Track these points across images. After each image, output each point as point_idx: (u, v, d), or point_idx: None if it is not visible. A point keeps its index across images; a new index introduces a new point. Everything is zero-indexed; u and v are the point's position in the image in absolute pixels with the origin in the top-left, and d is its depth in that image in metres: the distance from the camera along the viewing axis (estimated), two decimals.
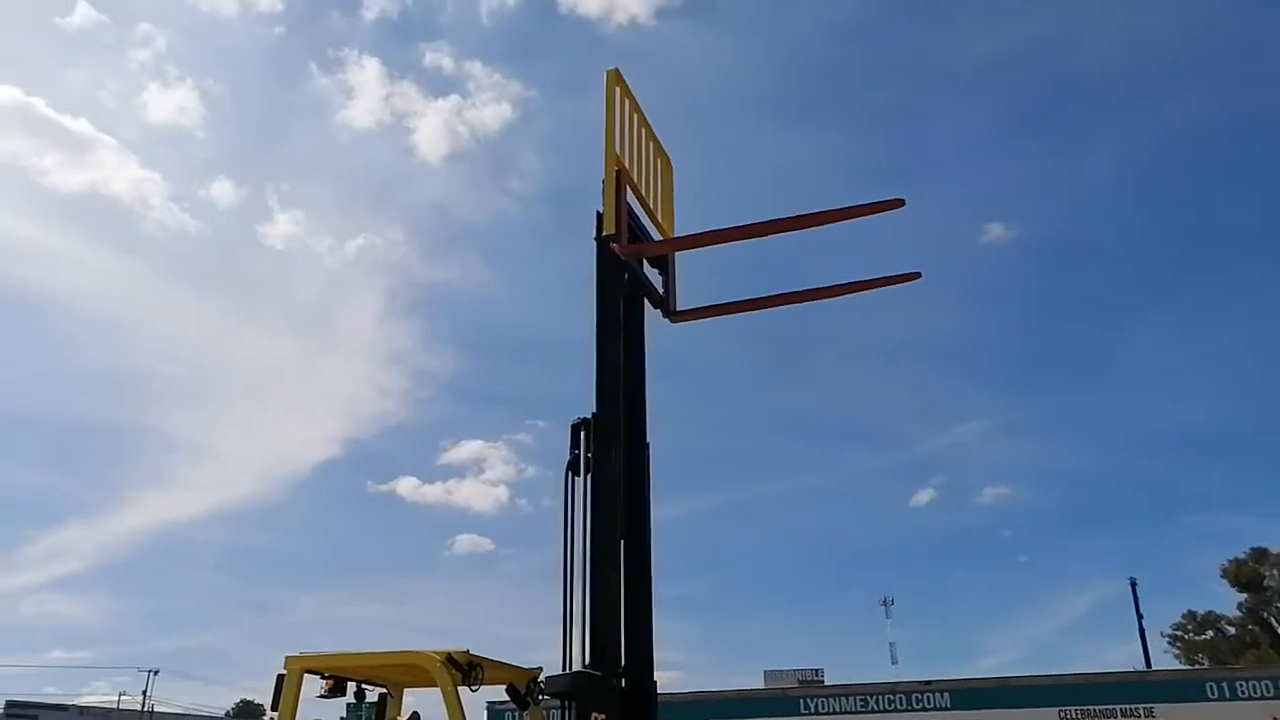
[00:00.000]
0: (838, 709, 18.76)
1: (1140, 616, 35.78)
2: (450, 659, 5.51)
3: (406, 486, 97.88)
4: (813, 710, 18.83)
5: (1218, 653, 40.08)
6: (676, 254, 6.60)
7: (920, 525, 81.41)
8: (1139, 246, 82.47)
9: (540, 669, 6.08)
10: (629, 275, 5.88)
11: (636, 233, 6.09)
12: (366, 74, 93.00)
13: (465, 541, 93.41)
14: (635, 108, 6.29)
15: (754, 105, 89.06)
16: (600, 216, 5.76)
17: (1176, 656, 42.08)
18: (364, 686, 6.37)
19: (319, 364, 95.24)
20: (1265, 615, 40.97)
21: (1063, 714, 17.68)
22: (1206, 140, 76.80)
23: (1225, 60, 73.80)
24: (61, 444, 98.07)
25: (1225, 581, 41.55)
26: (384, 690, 6.69)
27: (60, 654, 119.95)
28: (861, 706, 18.64)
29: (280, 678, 5.83)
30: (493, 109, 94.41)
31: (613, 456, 5.30)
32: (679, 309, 6.44)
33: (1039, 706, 17.81)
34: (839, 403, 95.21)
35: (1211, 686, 17.58)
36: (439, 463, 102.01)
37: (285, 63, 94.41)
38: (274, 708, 5.87)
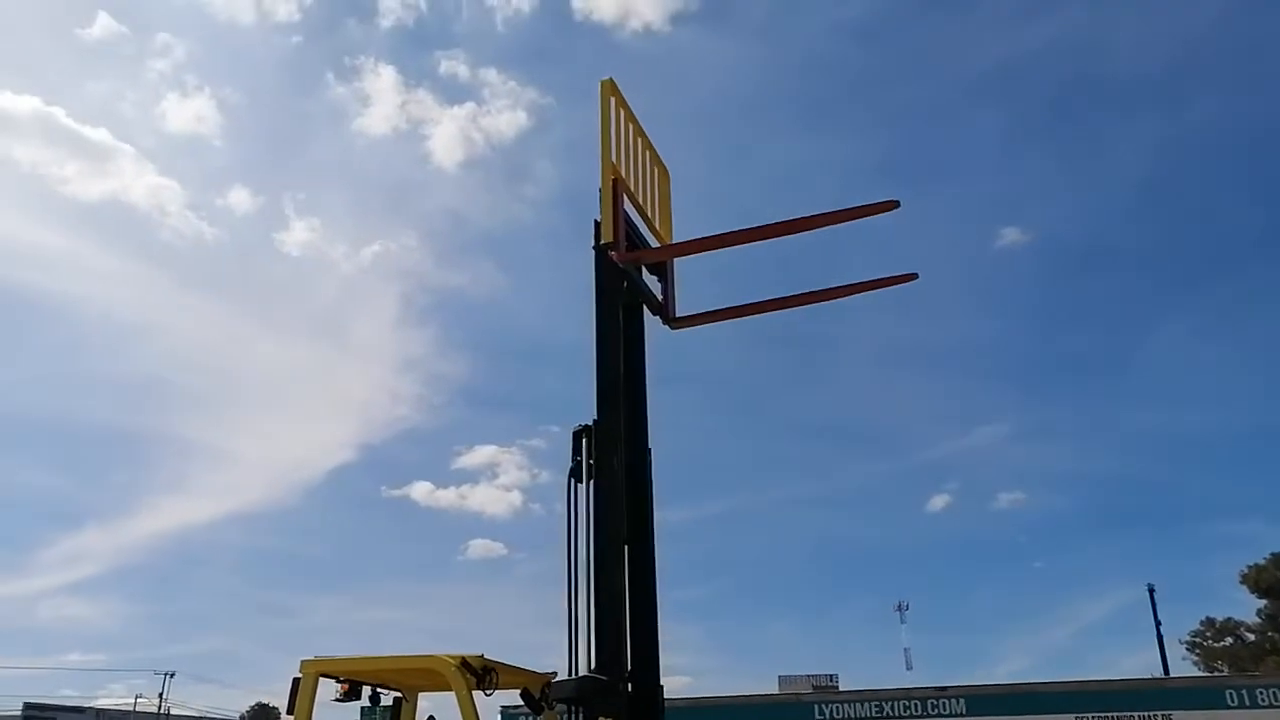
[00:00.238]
0: (852, 715, 18.66)
1: (1158, 623, 35.50)
2: (465, 663, 5.55)
3: (420, 491, 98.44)
4: (827, 716, 18.75)
5: (1237, 660, 39.64)
6: (680, 261, 6.64)
7: (935, 530, 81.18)
8: (1155, 250, 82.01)
9: (554, 673, 6.11)
10: (628, 283, 5.93)
11: (635, 241, 6.14)
12: (382, 82, 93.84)
13: (479, 546, 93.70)
14: (631, 118, 6.35)
15: (767, 110, 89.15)
16: (598, 225, 5.82)
17: (1195, 663, 41.67)
18: (379, 690, 6.42)
19: (334, 370, 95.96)
20: None
21: None
22: (1222, 144, 76.33)
23: (1241, 63, 73.32)
24: (79, 449, 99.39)
25: (1245, 588, 41.12)
26: (399, 694, 6.74)
27: (77, 656, 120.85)
28: (876, 712, 18.55)
29: (296, 681, 5.88)
30: (508, 116, 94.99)
31: (614, 463, 5.34)
32: (679, 315, 6.49)
33: (1056, 713, 17.67)
34: (854, 407, 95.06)
35: (1231, 694, 17.40)
36: (453, 468, 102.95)
37: (302, 71, 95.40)
38: (289, 711, 5.92)
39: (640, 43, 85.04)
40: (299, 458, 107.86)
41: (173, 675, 59.94)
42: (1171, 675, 30.20)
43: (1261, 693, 17.24)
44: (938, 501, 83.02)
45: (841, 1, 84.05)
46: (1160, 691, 18.51)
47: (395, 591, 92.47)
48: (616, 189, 5.89)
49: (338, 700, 6.10)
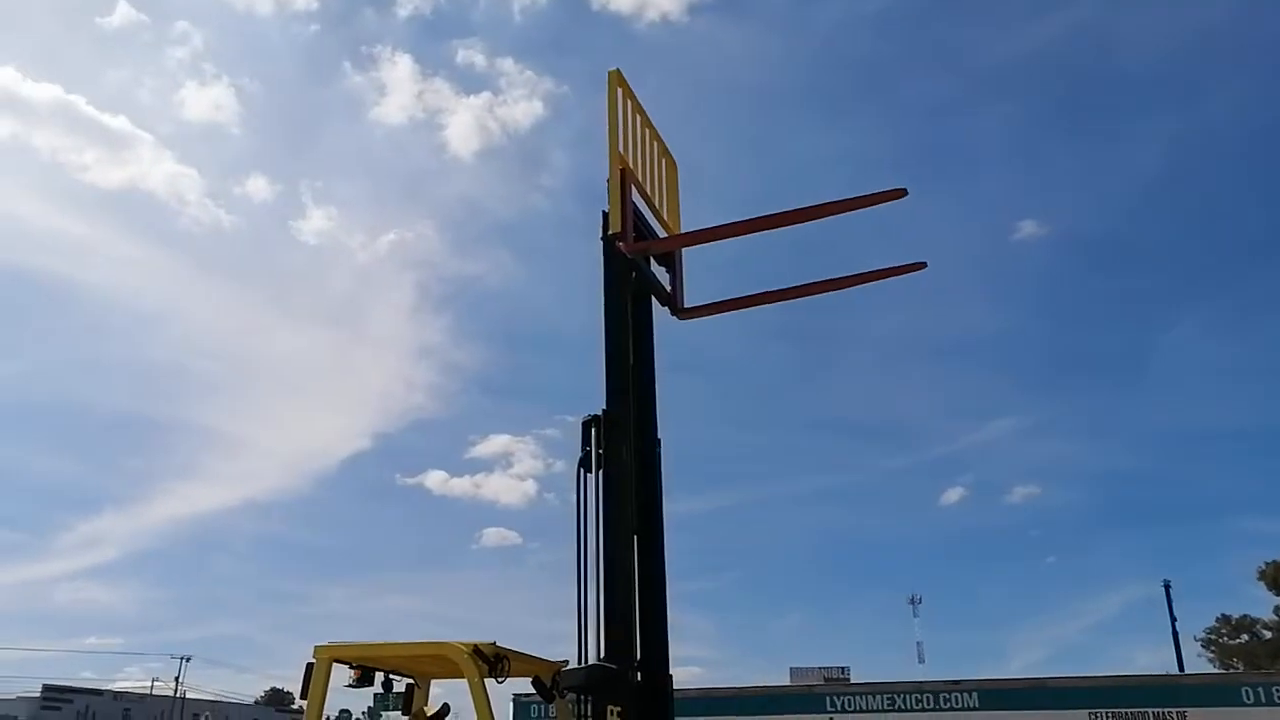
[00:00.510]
0: (864, 707, 18.66)
1: (1174, 619, 35.32)
2: (477, 651, 5.57)
3: (435, 480, 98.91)
4: (839, 708, 18.74)
5: (1253, 657, 39.38)
6: (688, 253, 6.63)
7: (949, 524, 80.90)
8: (1172, 245, 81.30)
9: (566, 662, 6.13)
10: (636, 273, 5.92)
11: (643, 232, 6.14)
12: (399, 71, 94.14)
13: (493, 535, 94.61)
14: (639, 108, 6.35)
15: (783, 101, 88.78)
16: (606, 216, 5.82)
17: (1210, 660, 41.46)
18: (391, 677, 6.46)
19: (350, 358, 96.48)
20: None
21: (1093, 715, 17.46)
22: (1238, 140, 75.43)
23: (1257, 58, 72.43)
24: (97, 435, 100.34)
25: (1262, 585, 40.81)
26: (411, 681, 6.78)
27: (95, 640, 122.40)
28: (888, 705, 18.53)
29: (309, 666, 5.93)
30: (524, 106, 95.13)
31: (623, 453, 5.34)
32: (687, 306, 6.48)
33: (1069, 708, 17.60)
34: (868, 400, 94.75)
35: (1247, 691, 17.28)
36: (467, 456, 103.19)
37: (320, 60, 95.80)
38: (303, 696, 5.97)
39: (657, 33, 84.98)
40: (314, 445, 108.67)
41: (189, 659, 60.56)
42: (1186, 672, 30.03)
43: (1278, 690, 17.10)
44: (951, 495, 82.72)
45: None
46: (1175, 688, 18.40)
47: (409, 579, 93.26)
48: (624, 179, 5.89)
49: (350, 686, 6.14)
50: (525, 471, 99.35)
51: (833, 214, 5.42)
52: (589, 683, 4.88)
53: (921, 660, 45.30)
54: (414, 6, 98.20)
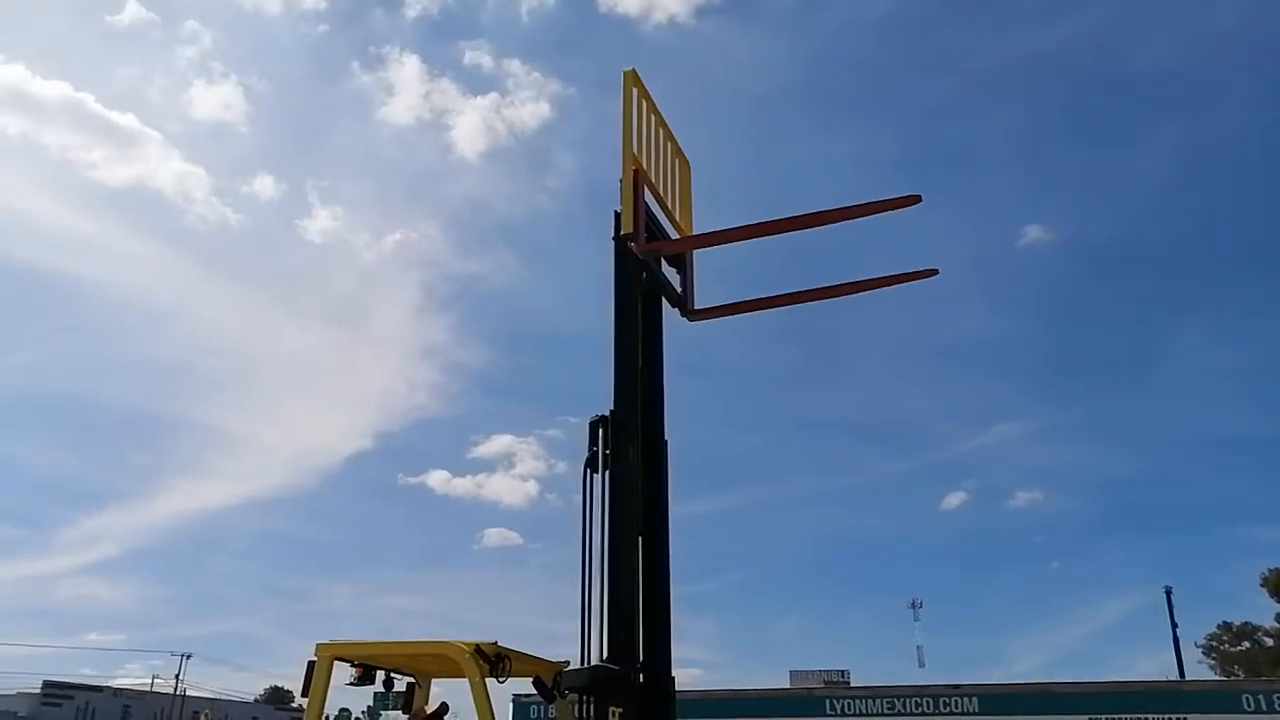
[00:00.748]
0: (864, 710, 18.64)
1: (1175, 626, 35.23)
2: (478, 650, 5.57)
3: (437, 479, 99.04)
4: (839, 711, 18.72)
5: (1254, 665, 39.29)
6: (698, 254, 6.62)
7: (951, 528, 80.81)
8: (1178, 250, 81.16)
9: (567, 662, 6.13)
10: (647, 274, 5.92)
11: (654, 232, 6.13)
12: (407, 71, 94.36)
13: (494, 535, 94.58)
14: (653, 109, 6.34)
15: (790, 104, 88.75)
16: (619, 216, 5.81)
17: (1211, 667, 41.38)
18: (392, 675, 6.46)
19: (354, 357, 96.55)
20: None
21: None
22: (1246, 144, 75.33)
23: (1266, 63, 72.33)
24: (102, 431, 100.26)
25: (1264, 591, 40.74)
26: (412, 680, 6.78)
27: (96, 636, 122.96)
28: (888, 709, 18.51)
29: (311, 664, 5.93)
30: (531, 107, 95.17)
31: (630, 454, 5.34)
32: (696, 308, 6.48)
33: (1069, 714, 17.58)
34: (870, 403, 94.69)
35: (1248, 699, 17.26)
36: (469, 456, 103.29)
37: (328, 60, 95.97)
38: (304, 694, 5.98)
39: (664, 35, 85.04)
40: (317, 444, 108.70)
41: (189, 657, 60.56)
42: (1187, 679, 29.98)
43: (1279, 698, 17.06)
44: (953, 499, 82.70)
45: None
46: (1175, 694, 18.37)
47: (410, 579, 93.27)
48: (637, 180, 5.88)
49: (351, 684, 6.15)
50: (527, 472, 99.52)
51: (846, 219, 5.42)
52: (592, 683, 4.88)
53: (922, 664, 45.28)
54: (422, 7, 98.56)
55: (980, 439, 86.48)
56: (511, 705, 20.06)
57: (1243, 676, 36.66)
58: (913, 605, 47.40)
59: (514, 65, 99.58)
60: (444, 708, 6.83)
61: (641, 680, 5.22)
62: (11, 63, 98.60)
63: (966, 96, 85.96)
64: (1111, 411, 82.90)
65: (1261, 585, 40.77)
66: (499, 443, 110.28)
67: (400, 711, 6.99)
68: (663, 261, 6.28)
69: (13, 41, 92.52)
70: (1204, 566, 72.79)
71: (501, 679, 5.65)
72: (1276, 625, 40.69)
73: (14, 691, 55.27)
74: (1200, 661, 41.51)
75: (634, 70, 6.02)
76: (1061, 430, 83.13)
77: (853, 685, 26.64)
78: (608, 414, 5.42)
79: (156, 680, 62.92)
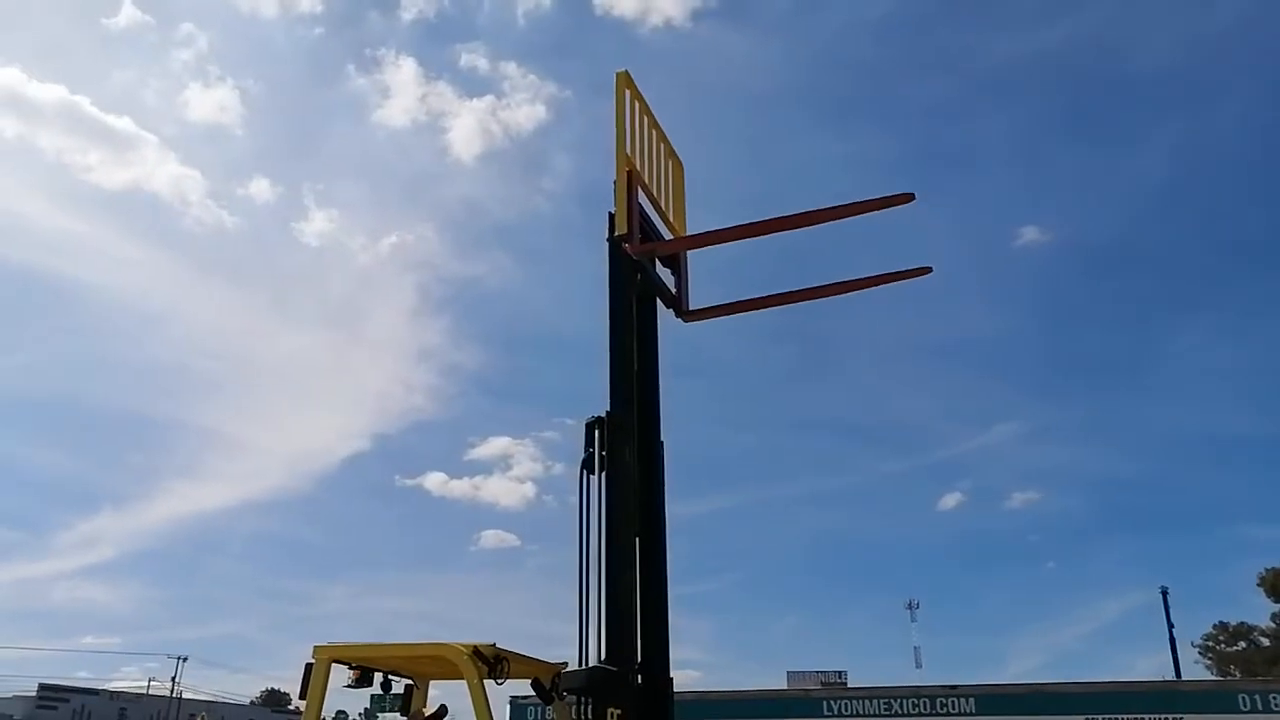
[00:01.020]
0: (861, 712, 18.62)
1: (1171, 626, 35.27)
2: (476, 652, 5.57)
3: (434, 481, 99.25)
4: (836, 712, 18.71)
5: (1250, 665, 39.35)
6: (698, 254, 6.64)
7: (948, 528, 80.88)
8: (1177, 251, 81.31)
9: (565, 664, 6.13)
10: (641, 275, 5.93)
11: (649, 233, 6.14)
12: (403, 74, 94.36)
13: (491, 537, 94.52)
14: (646, 110, 6.35)
15: (786, 105, 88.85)
16: (613, 218, 5.82)
17: (1208, 668, 41.42)
18: (390, 677, 6.46)
19: (350, 359, 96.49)
20: None
21: None
22: (1243, 145, 75.49)
23: (1264, 63, 72.50)
24: (98, 433, 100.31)
25: (1261, 591, 40.81)
26: (410, 682, 6.78)
27: (92, 639, 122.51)
28: (885, 710, 18.49)
29: (308, 667, 5.92)
30: (527, 109, 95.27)
31: (626, 455, 5.35)
32: (691, 308, 6.49)
33: (1066, 714, 17.58)
34: (867, 403, 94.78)
35: (1244, 698, 17.26)
36: (466, 458, 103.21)
37: (324, 63, 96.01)
38: (302, 696, 5.97)
39: (660, 38, 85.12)
40: (314, 446, 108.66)
41: (185, 659, 60.47)
42: (1183, 679, 30.01)
43: (1275, 698, 17.08)
44: (950, 500, 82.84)
45: None
46: (1171, 694, 18.38)
47: (407, 580, 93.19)
48: (631, 181, 5.89)
49: (349, 686, 6.14)
50: (524, 474, 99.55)
51: (841, 218, 5.43)
52: (590, 684, 4.88)
53: (919, 665, 45.30)
54: (418, 10, 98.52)
55: (977, 439, 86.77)
56: (509, 707, 20.02)
57: (1239, 676, 36.72)
58: (910, 606, 47.49)
59: (510, 68, 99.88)
60: (443, 710, 6.83)
61: (639, 681, 5.23)
62: (7, 65, 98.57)
63: (964, 97, 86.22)
64: (1108, 412, 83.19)
65: (1258, 585, 40.87)
66: (496, 445, 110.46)
67: (398, 714, 6.99)
68: (657, 262, 6.29)
69: (8, 44, 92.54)
70: (1201, 567, 73.09)
71: (499, 680, 5.65)
72: (1273, 625, 40.76)
73: (10, 694, 55.17)
74: (1197, 661, 41.61)
75: (627, 72, 6.03)
76: (1058, 430, 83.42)
77: (850, 686, 26.63)
78: (604, 415, 5.43)
79: (153, 683, 62.88)
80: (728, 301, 6.55)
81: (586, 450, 5.42)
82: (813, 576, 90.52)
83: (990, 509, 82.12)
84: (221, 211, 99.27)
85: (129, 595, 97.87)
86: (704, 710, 18.75)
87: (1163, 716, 17.28)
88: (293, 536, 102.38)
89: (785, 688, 26.84)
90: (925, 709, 18.34)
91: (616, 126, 5.92)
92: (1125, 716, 17.43)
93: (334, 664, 6.00)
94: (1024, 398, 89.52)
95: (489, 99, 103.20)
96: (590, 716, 4.88)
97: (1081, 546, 79.97)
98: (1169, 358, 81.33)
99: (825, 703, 19.08)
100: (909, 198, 5.23)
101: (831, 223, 5.54)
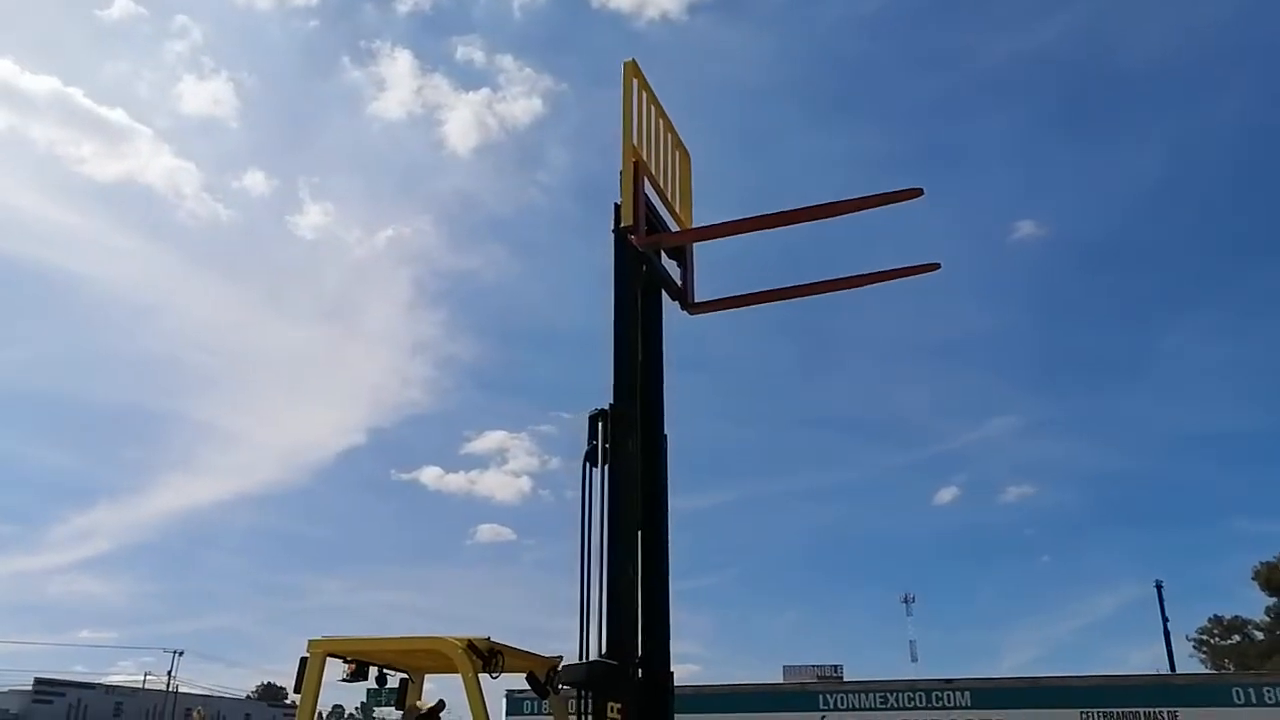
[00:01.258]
0: (857, 705, 18.65)
1: (1165, 619, 35.39)
2: (471, 646, 5.54)
3: (430, 475, 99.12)
4: (832, 706, 18.74)
5: (1244, 658, 39.53)
6: (697, 248, 6.59)
7: (943, 523, 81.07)
8: (1172, 247, 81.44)
9: (560, 658, 6.10)
10: (647, 267, 5.89)
11: (654, 225, 6.10)
12: (398, 66, 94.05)
13: (487, 531, 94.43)
14: (653, 100, 6.29)
15: (782, 100, 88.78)
16: (618, 209, 5.77)
17: (1202, 661, 41.59)
18: (385, 671, 6.43)
19: (345, 353, 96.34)
20: None
21: (1085, 715, 17.46)
22: (1240, 141, 75.57)
23: (1260, 60, 72.55)
24: (92, 427, 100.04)
25: (1255, 585, 40.92)
26: (405, 675, 6.75)
27: (88, 633, 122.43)
28: (881, 703, 18.51)
29: (304, 661, 5.90)
30: (523, 102, 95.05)
31: (630, 447, 5.31)
32: (697, 301, 6.45)
33: (1061, 708, 17.60)
34: (864, 398, 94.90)
35: (1238, 691, 17.29)
36: (462, 452, 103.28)
37: (319, 55, 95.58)
38: (297, 690, 5.95)
39: (657, 30, 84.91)
40: (309, 440, 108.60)
41: (181, 654, 60.43)
42: (1178, 672, 30.12)
43: (1269, 691, 17.12)
44: (946, 494, 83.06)
45: None
46: (1166, 688, 18.41)
47: (402, 574, 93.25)
48: (637, 172, 5.84)
49: (345, 680, 6.11)
50: (520, 468, 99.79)
51: (847, 212, 5.41)
52: (590, 679, 4.85)
53: (915, 659, 45.49)
54: (414, 2, 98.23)
55: (973, 433, 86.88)
56: (505, 701, 20.01)
57: (1233, 670, 36.89)
58: (906, 600, 47.63)
59: (506, 60, 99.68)
60: (441, 704, 6.80)
61: (640, 676, 5.20)
62: (0, 57, 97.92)
63: (959, 92, 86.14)
64: (1103, 406, 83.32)
65: (1253, 579, 40.97)
66: (492, 439, 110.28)
67: (394, 707, 6.96)
68: (662, 254, 6.25)
69: (1, 36, 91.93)
70: (1195, 561, 73.27)
71: (494, 674, 5.63)
72: (1267, 619, 40.90)
73: (6, 689, 55.05)
74: (1191, 655, 41.73)
75: (634, 61, 5.97)
76: (1053, 425, 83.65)
77: (846, 680, 26.69)
78: (607, 407, 5.39)
79: (149, 677, 62.78)
80: (731, 295, 6.50)
81: (590, 443, 5.38)
82: (810, 571, 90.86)
83: (986, 503, 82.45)
84: (216, 204, 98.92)
85: (125, 589, 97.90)
86: (701, 704, 18.75)
87: (1157, 709, 17.32)
88: (288, 530, 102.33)
89: (781, 681, 26.88)
90: (921, 702, 18.37)
91: (623, 116, 5.86)
92: (1120, 710, 17.47)
93: (329, 658, 5.97)
94: (1019, 392, 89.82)
95: (485, 92, 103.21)
96: (590, 711, 4.85)
97: (1076, 540, 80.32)
98: (1164, 353, 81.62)
99: (821, 696, 19.11)
100: (918, 193, 5.21)
101: (827, 219, 5.52)
